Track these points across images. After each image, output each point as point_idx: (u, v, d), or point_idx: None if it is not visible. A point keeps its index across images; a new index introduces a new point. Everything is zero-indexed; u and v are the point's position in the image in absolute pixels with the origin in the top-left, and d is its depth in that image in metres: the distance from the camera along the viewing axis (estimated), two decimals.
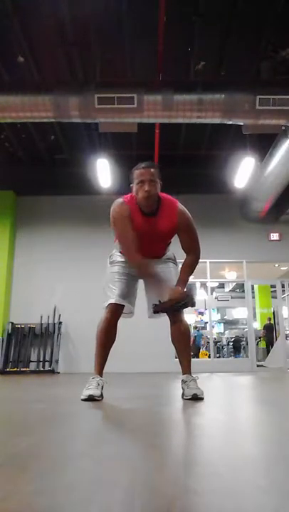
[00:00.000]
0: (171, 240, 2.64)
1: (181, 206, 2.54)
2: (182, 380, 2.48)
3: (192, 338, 13.24)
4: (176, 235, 2.57)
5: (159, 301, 2.43)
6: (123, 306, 2.52)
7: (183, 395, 2.43)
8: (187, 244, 2.57)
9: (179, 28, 5.59)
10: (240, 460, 1.02)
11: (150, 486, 0.78)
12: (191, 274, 2.58)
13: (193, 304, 2.37)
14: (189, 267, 2.56)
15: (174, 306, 2.35)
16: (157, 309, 2.43)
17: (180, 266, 2.61)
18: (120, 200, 2.49)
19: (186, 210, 2.55)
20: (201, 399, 2.34)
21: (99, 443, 1.27)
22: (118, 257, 2.62)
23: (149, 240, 2.49)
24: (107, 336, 2.50)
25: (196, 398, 2.32)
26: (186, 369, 2.53)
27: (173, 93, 5.49)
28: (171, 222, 2.47)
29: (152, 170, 2.43)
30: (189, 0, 5.38)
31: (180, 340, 2.55)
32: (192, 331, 13.58)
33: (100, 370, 2.49)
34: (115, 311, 2.50)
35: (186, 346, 2.56)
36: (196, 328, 13.82)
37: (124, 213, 2.42)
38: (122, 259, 2.59)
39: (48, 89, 5.52)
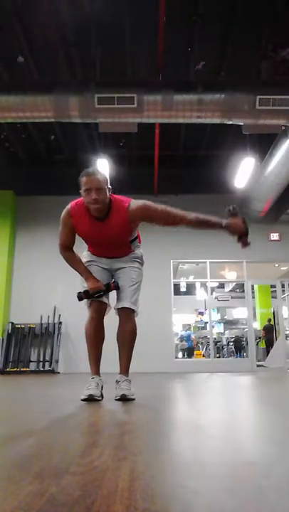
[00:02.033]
0: (132, 237, 2.58)
1: (132, 204, 2.43)
2: (116, 380, 2.48)
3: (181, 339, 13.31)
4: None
5: (83, 291, 2.50)
6: (106, 303, 2.54)
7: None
8: (168, 221, 2.42)
9: (179, 28, 5.59)
10: (241, 460, 1.02)
11: (150, 486, 0.78)
12: (206, 218, 2.45)
13: (116, 288, 2.54)
14: (201, 218, 2.42)
15: (94, 294, 2.48)
16: (81, 297, 2.50)
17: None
18: (68, 207, 2.49)
19: (139, 204, 2.42)
20: (130, 400, 2.34)
21: (99, 443, 1.27)
22: (86, 257, 2.63)
23: (104, 241, 2.50)
24: (96, 335, 2.52)
25: (125, 399, 2.33)
26: (123, 369, 2.52)
27: (173, 93, 5.48)
28: (122, 221, 2.42)
29: (98, 177, 2.36)
30: (189, 0, 5.38)
31: (123, 340, 2.53)
32: (182, 333, 13.61)
33: (96, 369, 2.51)
34: (100, 309, 2.52)
35: (128, 346, 2.53)
36: (187, 329, 13.85)
37: (65, 222, 2.50)
38: (90, 258, 2.62)
39: (48, 89, 5.52)
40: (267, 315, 13.32)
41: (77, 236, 2.55)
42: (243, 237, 2.38)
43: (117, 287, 2.53)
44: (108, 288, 2.52)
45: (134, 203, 2.45)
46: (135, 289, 2.58)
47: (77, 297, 2.51)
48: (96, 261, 2.62)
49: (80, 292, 2.50)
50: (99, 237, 2.49)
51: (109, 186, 2.42)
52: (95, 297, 2.50)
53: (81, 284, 2.56)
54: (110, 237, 2.46)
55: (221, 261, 9.75)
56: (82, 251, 2.68)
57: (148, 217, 2.44)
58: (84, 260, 2.61)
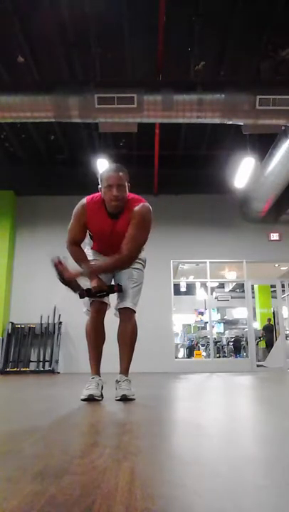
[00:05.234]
0: None
1: (143, 205, 2.45)
2: (116, 380, 2.48)
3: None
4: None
5: (85, 289, 2.48)
6: (106, 303, 2.54)
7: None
8: (127, 236, 2.40)
9: (179, 28, 5.59)
10: (240, 460, 1.02)
11: (150, 486, 0.78)
12: (113, 266, 2.46)
13: (119, 290, 2.52)
14: (114, 259, 2.41)
15: (96, 293, 2.47)
16: (82, 295, 2.49)
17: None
18: (83, 201, 2.51)
19: (148, 210, 2.45)
20: (131, 400, 2.34)
21: (98, 443, 1.27)
22: (89, 256, 2.63)
23: (112, 238, 2.49)
24: (97, 335, 2.52)
25: (125, 399, 2.33)
26: (123, 369, 2.52)
27: (173, 93, 5.48)
28: (130, 220, 2.44)
29: (120, 174, 2.40)
30: (189, 0, 5.37)
31: (123, 340, 2.53)
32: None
33: (96, 369, 2.51)
34: (100, 309, 2.52)
35: (129, 347, 2.53)
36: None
37: (78, 215, 2.50)
38: (94, 257, 2.62)
39: (48, 89, 5.52)
40: (267, 315, 13.31)
41: None
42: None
43: (120, 290, 2.52)
44: (112, 290, 2.51)
45: (144, 207, 2.45)
46: (137, 291, 2.58)
47: (79, 295, 2.50)
48: (100, 260, 2.61)
49: (82, 290, 2.50)
50: (109, 234, 2.48)
51: (129, 184, 2.44)
52: (96, 296, 2.49)
53: (83, 282, 2.55)
54: (120, 234, 2.46)
55: (221, 261, 9.75)
56: (84, 249, 2.67)
57: (133, 222, 2.41)
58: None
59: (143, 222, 2.43)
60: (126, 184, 2.42)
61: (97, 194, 2.49)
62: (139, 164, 8.67)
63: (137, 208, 2.44)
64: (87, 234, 2.60)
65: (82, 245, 2.60)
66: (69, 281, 2.42)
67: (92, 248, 2.67)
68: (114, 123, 5.80)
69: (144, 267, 2.69)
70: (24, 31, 5.67)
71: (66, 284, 2.44)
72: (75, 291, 2.45)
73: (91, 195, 2.52)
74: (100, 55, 5.96)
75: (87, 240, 2.66)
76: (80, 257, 2.54)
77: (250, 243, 9.20)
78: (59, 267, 2.41)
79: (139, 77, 6.25)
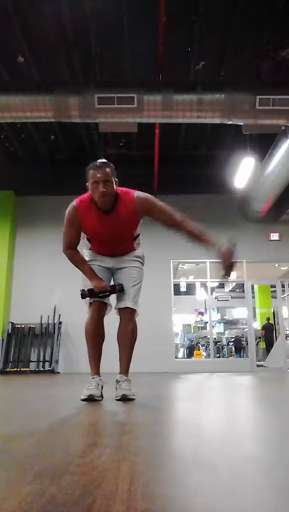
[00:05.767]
0: (136, 232, 2.61)
1: (138, 194, 2.47)
2: (116, 380, 2.48)
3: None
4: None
5: (87, 289, 2.48)
6: (106, 303, 2.54)
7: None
8: (166, 219, 2.45)
9: (179, 28, 5.59)
10: (240, 460, 1.02)
11: (150, 486, 0.78)
12: (201, 232, 2.44)
13: (120, 290, 2.54)
14: (196, 230, 2.43)
15: (98, 293, 2.48)
16: (84, 295, 2.49)
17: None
18: (73, 204, 2.49)
19: (146, 195, 2.48)
20: (131, 400, 2.34)
21: (98, 443, 1.27)
22: (88, 256, 2.63)
23: (110, 235, 2.49)
24: (96, 335, 2.51)
25: (125, 399, 2.32)
26: (123, 369, 2.52)
27: (173, 93, 5.49)
28: (129, 213, 2.44)
29: (107, 170, 2.39)
30: (189, 0, 5.38)
31: (124, 340, 2.53)
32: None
33: (96, 370, 2.50)
34: (99, 309, 2.52)
35: (129, 346, 2.53)
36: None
37: (71, 219, 2.49)
38: (92, 257, 2.62)
39: (48, 89, 5.52)
40: (267, 315, 13.31)
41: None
42: (227, 268, 2.41)
43: (121, 290, 2.52)
44: (113, 290, 2.52)
45: (141, 193, 2.49)
46: (137, 289, 2.58)
47: (81, 295, 2.50)
48: (98, 260, 2.61)
49: (83, 290, 2.49)
50: (105, 231, 2.48)
51: (116, 179, 2.44)
52: (99, 297, 2.49)
53: (83, 283, 2.55)
54: (117, 229, 2.46)
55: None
56: (81, 251, 2.67)
57: (153, 209, 2.45)
58: (86, 259, 2.61)
59: (156, 202, 2.46)
60: (113, 179, 2.40)
61: (85, 194, 2.48)
62: (139, 164, 8.67)
63: (137, 201, 2.43)
64: (84, 237, 2.60)
65: (79, 247, 2.59)
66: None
67: (89, 249, 2.67)
68: (114, 123, 5.80)
69: (142, 264, 2.69)
70: (24, 31, 5.67)
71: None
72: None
73: (79, 197, 2.50)
74: (100, 55, 5.97)
75: (84, 242, 2.65)
76: (77, 259, 2.55)
77: (250, 243, 9.18)
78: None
79: (139, 77, 6.25)
